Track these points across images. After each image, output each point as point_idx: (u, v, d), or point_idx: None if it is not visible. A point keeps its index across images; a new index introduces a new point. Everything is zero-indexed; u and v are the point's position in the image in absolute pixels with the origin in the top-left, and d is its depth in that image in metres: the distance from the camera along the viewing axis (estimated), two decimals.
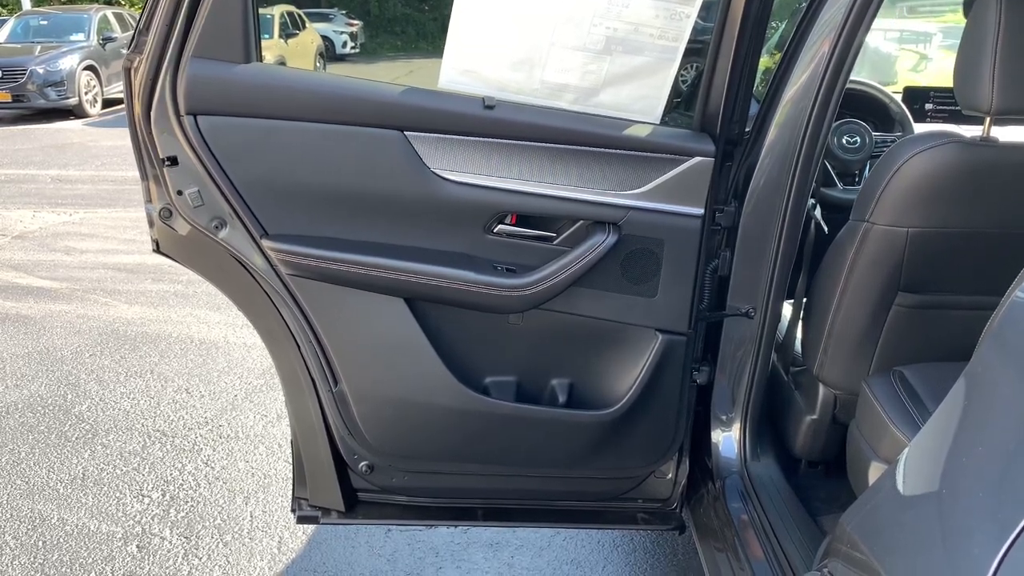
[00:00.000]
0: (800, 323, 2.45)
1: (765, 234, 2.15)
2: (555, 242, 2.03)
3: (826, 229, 2.43)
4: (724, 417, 2.38)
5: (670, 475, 2.43)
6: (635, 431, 2.22)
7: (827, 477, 2.45)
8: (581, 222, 2.01)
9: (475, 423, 2.13)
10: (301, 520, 2.34)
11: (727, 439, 2.39)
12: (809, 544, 2.08)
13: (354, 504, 2.34)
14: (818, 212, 2.45)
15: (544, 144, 1.93)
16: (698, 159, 1.97)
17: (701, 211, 2.02)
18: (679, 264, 2.06)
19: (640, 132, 1.97)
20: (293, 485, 2.33)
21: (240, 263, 1.97)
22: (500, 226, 2.00)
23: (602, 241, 1.98)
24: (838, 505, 2.31)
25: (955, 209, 1.96)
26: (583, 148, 1.95)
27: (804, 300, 2.42)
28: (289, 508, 2.43)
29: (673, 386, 2.19)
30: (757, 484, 2.28)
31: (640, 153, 1.96)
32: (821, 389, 2.32)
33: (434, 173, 1.91)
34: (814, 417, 2.35)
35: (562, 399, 2.18)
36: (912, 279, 2.07)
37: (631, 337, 2.13)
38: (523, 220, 2.02)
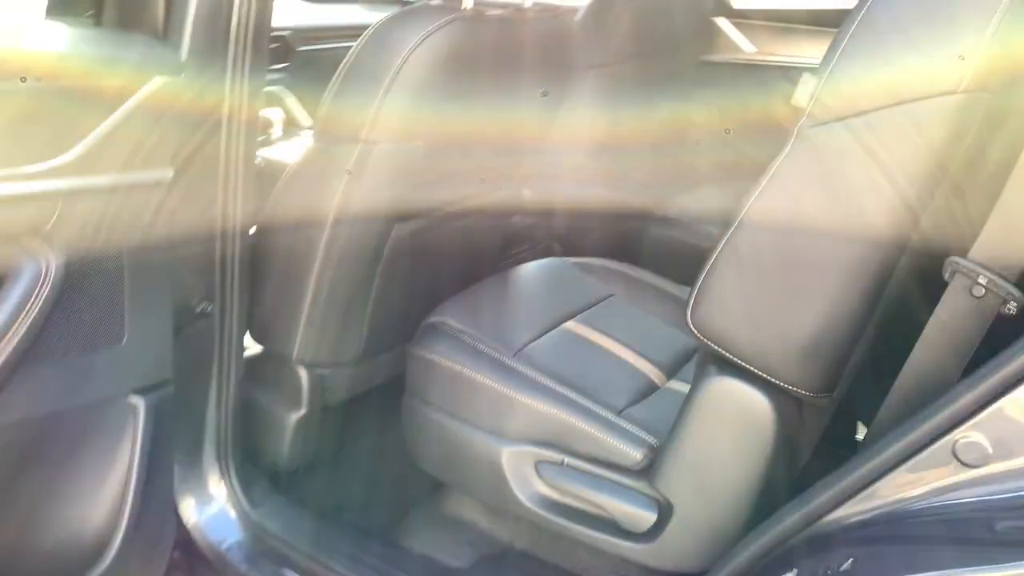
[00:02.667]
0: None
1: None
2: None
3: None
4: (195, 470, 1.59)
5: None
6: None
7: (319, 473, 1.90)
8: None
9: None
10: None
11: (206, 500, 1.61)
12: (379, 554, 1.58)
13: None
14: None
15: None
16: (156, 80, 1.09)
17: (171, 172, 1.16)
18: (151, 271, 1.18)
19: (54, 41, 0.98)
20: None
21: None
22: None
23: (33, 277, 0.98)
24: (367, 502, 1.82)
25: (463, 104, 1.55)
26: None
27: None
28: None
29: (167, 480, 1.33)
30: (285, 528, 1.62)
31: (44, 84, 0.99)
32: (304, 374, 1.72)
33: None
34: (302, 412, 1.74)
35: None
36: (410, 203, 1.62)
37: (93, 427, 1.18)
38: None
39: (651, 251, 2.33)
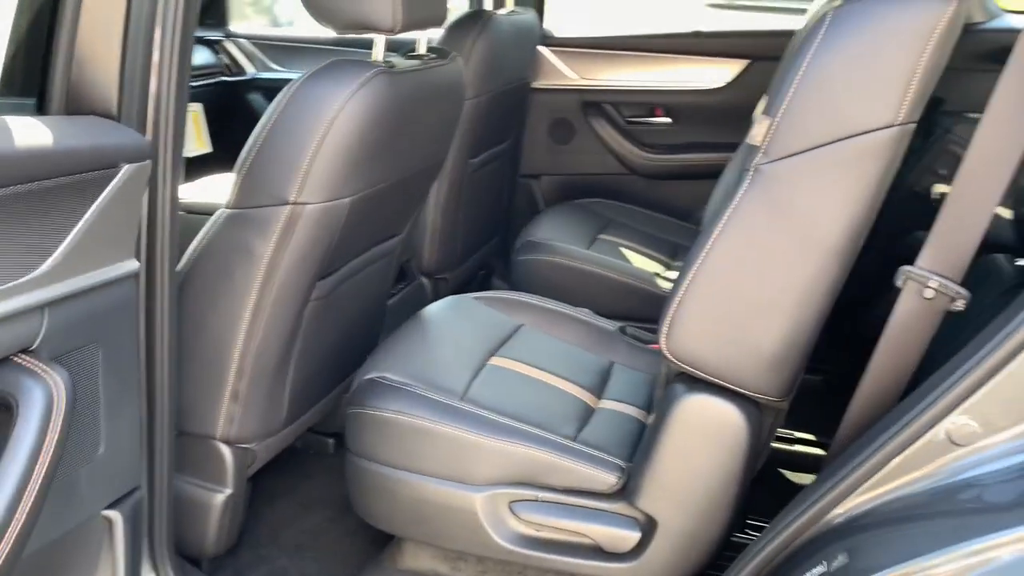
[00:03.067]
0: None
1: None
2: None
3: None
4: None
5: None
6: None
7: (251, 547, 1.79)
8: None
9: None
10: None
11: None
12: None
13: None
14: None
15: None
16: (126, 169, 1.01)
17: (135, 264, 1.07)
18: (122, 371, 1.08)
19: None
20: None
21: None
22: None
23: (46, 402, 0.88)
24: (311, 569, 1.74)
25: (388, 156, 1.54)
26: None
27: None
28: None
29: None
30: None
31: (18, 188, 0.89)
32: (228, 452, 1.62)
33: None
34: (228, 492, 1.64)
35: None
36: (333, 259, 1.58)
37: (68, 554, 1.06)
38: None
39: (521, 275, 2.39)
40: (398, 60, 1.58)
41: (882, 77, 1.12)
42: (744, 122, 2.72)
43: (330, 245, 1.52)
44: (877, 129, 1.13)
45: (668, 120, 2.93)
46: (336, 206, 1.46)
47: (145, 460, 1.41)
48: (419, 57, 1.67)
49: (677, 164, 2.92)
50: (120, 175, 0.98)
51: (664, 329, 1.29)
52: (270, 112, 1.42)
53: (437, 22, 1.58)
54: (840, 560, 1.10)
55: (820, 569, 1.09)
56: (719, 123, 2.86)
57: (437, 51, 1.73)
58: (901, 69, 1.11)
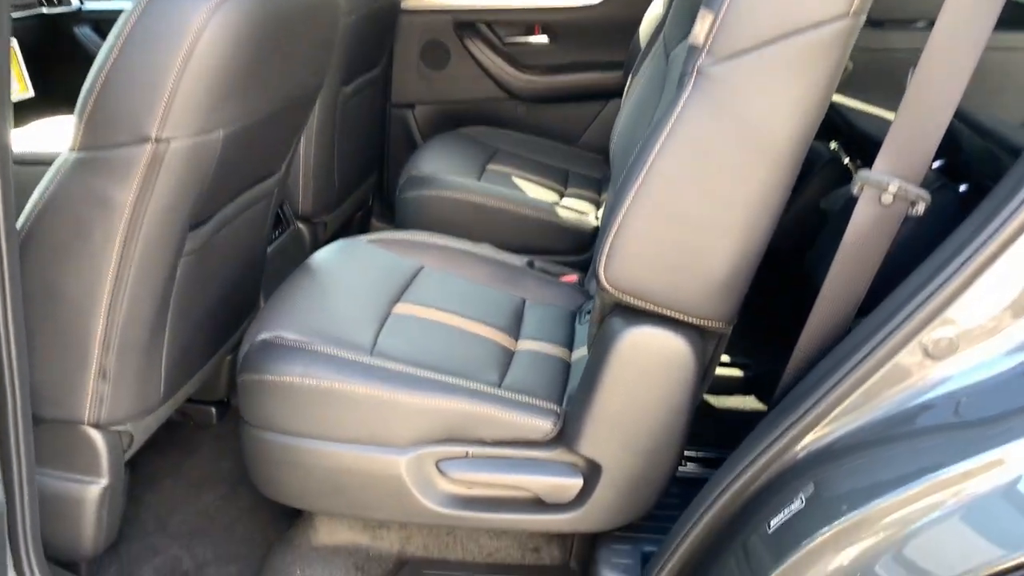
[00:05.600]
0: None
1: None
2: None
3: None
4: None
5: None
6: None
7: (138, 540, 1.58)
8: None
9: None
10: None
11: None
12: None
13: None
14: None
15: None
16: None
17: None
18: None
19: None
20: None
21: None
22: None
23: None
24: (210, 557, 1.55)
25: (262, 81, 1.32)
26: None
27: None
28: None
29: None
30: None
31: None
32: (99, 437, 1.40)
33: None
34: (104, 483, 1.42)
35: None
36: (205, 205, 1.36)
37: None
38: None
39: (407, 214, 2.22)
40: None
41: None
42: (625, 39, 2.63)
43: (202, 189, 1.30)
44: (830, 20, 1.02)
45: (546, 39, 2.78)
46: (207, 141, 1.24)
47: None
48: None
49: (558, 86, 2.79)
50: None
51: (602, 258, 1.16)
52: (118, 28, 1.17)
53: None
54: (811, 491, 1.03)
55: (796, 505, 1.01)
56: (600, 41, 2.74)
57: None
58: None
